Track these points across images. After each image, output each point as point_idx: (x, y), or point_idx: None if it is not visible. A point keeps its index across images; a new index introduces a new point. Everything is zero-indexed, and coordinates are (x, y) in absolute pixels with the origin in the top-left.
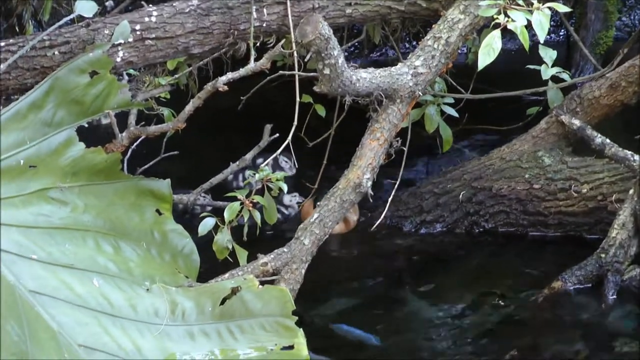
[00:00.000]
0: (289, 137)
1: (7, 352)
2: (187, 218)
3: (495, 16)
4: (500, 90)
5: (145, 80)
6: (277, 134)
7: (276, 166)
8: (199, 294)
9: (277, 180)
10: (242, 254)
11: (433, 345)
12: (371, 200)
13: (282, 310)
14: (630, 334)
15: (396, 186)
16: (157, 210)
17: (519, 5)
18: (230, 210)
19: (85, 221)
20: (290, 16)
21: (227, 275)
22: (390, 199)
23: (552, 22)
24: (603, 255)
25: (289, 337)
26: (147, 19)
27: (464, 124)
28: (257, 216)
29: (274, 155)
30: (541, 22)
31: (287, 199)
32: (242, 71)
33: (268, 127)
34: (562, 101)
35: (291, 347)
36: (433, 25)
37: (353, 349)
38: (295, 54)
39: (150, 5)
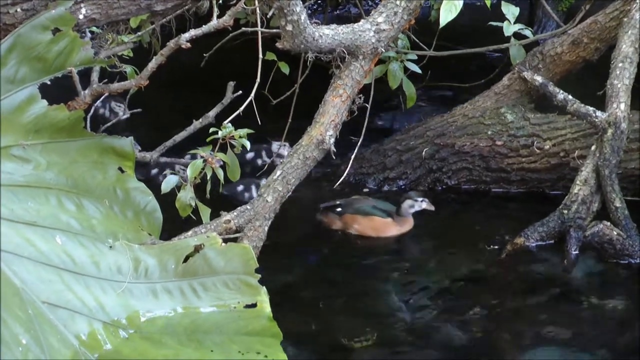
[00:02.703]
0: (252, 94)
1: None
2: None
3: None
4: (464, 47)
5: (108, 37)
6: (240, 92)
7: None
8: (162, 251)
9: (240, 137)
10: (205, 212)
11: (397, 304)
12: (334, 157)
13: (245, 268)
14: (592, 288)
15: (359, 143)
16: (120, 168)
17: None
18: (193, 168)
19: (47, 179)
20: None
21: (190, 232)
22: (353, 156)
23: None
24: (565, 212)
25: (252, 294)
26: None
27: (427, 81)
28: (220, 173)
29: (236, 113)
30: None
31: (248, 156)
32: (204, 28)
33: (231, 85)
34: (525, 58)
35: (254, 305)
36: None
37: (318, 307)
38: (258, 10)
39: None
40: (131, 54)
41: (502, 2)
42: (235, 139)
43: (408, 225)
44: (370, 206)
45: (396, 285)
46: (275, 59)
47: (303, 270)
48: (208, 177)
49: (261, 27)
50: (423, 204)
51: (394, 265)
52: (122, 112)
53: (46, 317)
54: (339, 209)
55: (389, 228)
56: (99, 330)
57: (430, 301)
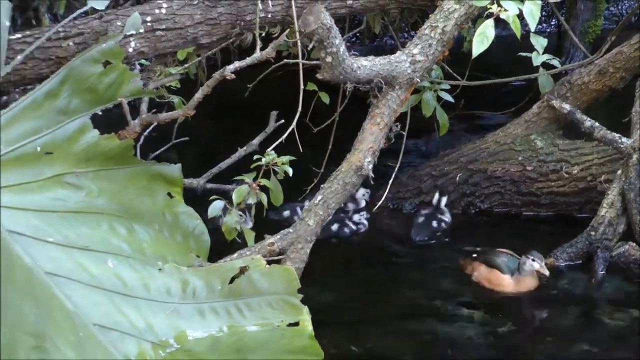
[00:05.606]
0: (294, 123)
1: (25, 332)
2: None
3: (488, 6)
4: (495, 77)
5: (156, 69)
6: (283, 120)
7: None
8: (209, 273)
9: (283, 164)
10: (249, 235)
11: (437, 324)
12: (372, 183)
13: (287, 289)
14: (618, 306)
15: (396, 169)
16: (169, 194)
17: None
18: (238, 193)
19: (99, 205)
20: (294, 7)
21: (235, 255)
22: (390, 182)
23: (543, 12)
24: (593, 233)
25: (295, 314)
26: (157, 11)
27: (460, 109)
28: (264, 198)
29: (279, 141)
30: (532, 12)
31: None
32: (248, 60)
33: (274, 114)
34: (553, 87)
35: (296, 324)
36: (430, 15)
37: (358, 326)
38: (299, 43)
39: None
40: (178, 85)
41: (531, 34)
42: (278, 166)
43: (526, 285)
44: (500, 259)
45: (436, 304)
46: (316, 89)
47: (344, 291)
48: (252, 202)
49: (302, 58)
50: (535, 265)
51: (433, 286)
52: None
53: (96, 340)
54: (474, 255)
55: (504, 284)
56: (148, 350)
57: (467, 318)
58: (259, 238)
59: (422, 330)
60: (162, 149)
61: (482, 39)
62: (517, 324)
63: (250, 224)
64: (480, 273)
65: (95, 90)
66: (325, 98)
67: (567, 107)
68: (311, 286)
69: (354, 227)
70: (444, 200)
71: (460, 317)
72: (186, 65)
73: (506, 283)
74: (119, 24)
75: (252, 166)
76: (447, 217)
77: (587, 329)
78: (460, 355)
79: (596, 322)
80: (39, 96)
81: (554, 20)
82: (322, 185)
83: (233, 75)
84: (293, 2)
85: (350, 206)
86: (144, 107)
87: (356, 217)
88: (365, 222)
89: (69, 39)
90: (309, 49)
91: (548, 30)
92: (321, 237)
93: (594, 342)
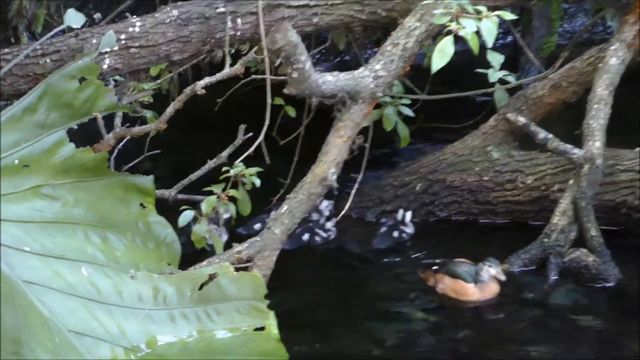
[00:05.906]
0: (261, 136)
1: (5, 339)
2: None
3: (448, 23)
4: (454, 91)
5: (129, 85)
6: (251, 133)
7: None
8: (180, 280)
9: (250, 175)
10: (218, 243)
11: (388, 326)
12: (336, 193)
13: (255, 294)
14: (570, 310)
15: (359, 180)
16: (142, 204)
17: (469, 13)
18: (207, 203)
19: (75, 215)
20: (262, 25)
21: (205, 262)
22: (353, 192)
23: (500, 29)
24: (546, 240)
25: (261, 318)
26: (131, 29)
27: (421, 123)
28: (232, 208)
29: (247, 153)
30: (489, 29)
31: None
32: (218, 76)
33: (242, 127)
34: (509, 100)
35: (263, 328)
36: (392, 33)
37: (324, 328)
38: (266, 59)
39: (134, 17)
40: (151, 100)
41: (488, 51)
42: (246, 177)
43: (489, 292)
44: (461, 269)
45: (399, 309)
46: (283, 103)
47: (310, 295)
48: (221, 212)
49: (270, 74)
50: (492, 271)
51: (397, 292)
52: None
53: (72, 345)
54: (435, 267)
55: (469, 292)
56: (120, 355)
57: (429, 322)
58: (228, 247)
59: (387, 333)
60: (136, 161)
61: (442, 54)
62: (477, 328)
63: (226, 237)
64: (445, 284)
65: (71, 105)
66: (291, 112)
67: (522, 119)
68: (281, 292)
69: (324, 235)
70: (409, 215)
71: (422, 321)
72: (159, 81)
73: (471, 292)
74: (94, 41)
75: (221, 177)
76: (409, 230)
77: (542, 332)
78: (424, 355)
79: (550, 325)
80: (18, 111)
81: (510, 36)
82: (288, 196)
83: (204, 91)
84: (261, 21)
85: (315, 216)
86: (118, 121)
87: (327, 225)
88: (335, 229)
89: (46, 56)
90: (276, 65)
91: (504, 44)
92: (293, 246)
93: (549, 344)
